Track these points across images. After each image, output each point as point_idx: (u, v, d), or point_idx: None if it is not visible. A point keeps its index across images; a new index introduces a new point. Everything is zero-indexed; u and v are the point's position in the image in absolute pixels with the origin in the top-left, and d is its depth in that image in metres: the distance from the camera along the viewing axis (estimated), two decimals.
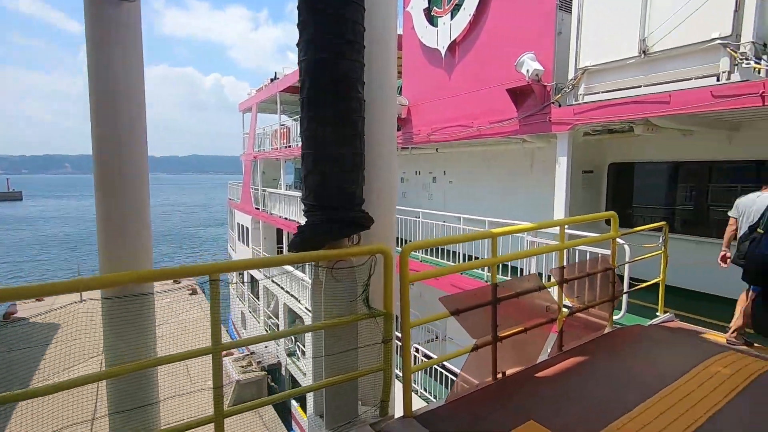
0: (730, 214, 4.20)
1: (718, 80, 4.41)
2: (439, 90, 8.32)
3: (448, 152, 9.85)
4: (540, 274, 6.78)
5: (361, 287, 2.87)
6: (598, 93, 5.57)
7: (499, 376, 3.57)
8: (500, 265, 3.46)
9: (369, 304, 2.83)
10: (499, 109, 6.85)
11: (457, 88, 7.90)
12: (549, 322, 3.90)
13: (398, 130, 9.53)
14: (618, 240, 4.69)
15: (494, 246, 3.43)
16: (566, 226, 4.09)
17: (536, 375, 3.65)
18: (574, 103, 5.81)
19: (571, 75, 5.83)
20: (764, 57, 4.15)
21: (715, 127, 5.95)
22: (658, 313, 5.31)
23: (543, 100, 6.15)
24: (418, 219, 9.08)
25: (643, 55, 4.95)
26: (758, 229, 3.71)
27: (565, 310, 4.06)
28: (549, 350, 4.07)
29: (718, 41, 4.35)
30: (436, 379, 8.57)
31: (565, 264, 4.09)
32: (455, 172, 10.21)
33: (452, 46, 7.88)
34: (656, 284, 5.21)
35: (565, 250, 4.05)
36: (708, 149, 6.78)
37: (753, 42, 4.17)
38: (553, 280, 4.02)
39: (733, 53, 4.26)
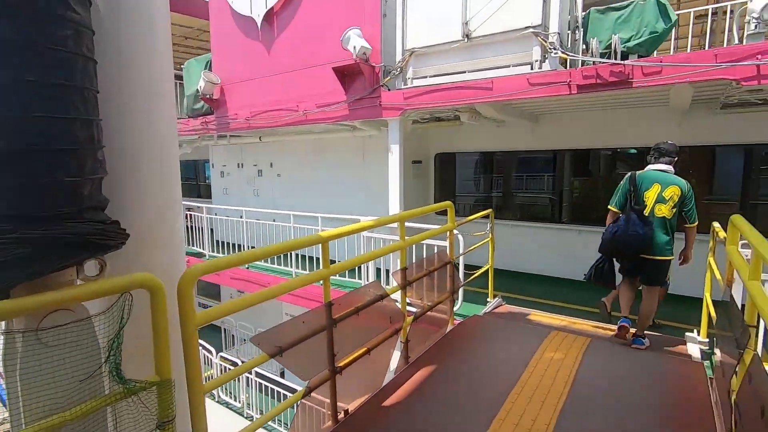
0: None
1: (531, 68, 4.52)
2: (258, 67, 7.14)
3: (274, 141, 8.74)
4: (378, 270, 6.39)
5: (105, 350, 1.68)
6: (426, 77, 5.32)
7: (341, 416, 2.82)
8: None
9: (121, 375, 1.68)
10: (327, 92, 6.13)
11: (278, 66, 6.87)
12: (394, 334, 3.33)
13: (210, 113, 7.96)
14: (454, 231, 4.47)
15: (325, 253, 2.62)
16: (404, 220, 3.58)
17: (385, 404, 3.02)
18: (403, 87, 5.46)
19: (398, 57, 5.45)
20: (559, 49, 4.36)
21: (522, 118, 6.42)
22: (489, 300, 5.39)
23: (372, 82, 5.65)
24: (242, 219, 7.78)
25: (466, 39, 4.83)
26: (609, 206, 4.07)
27: (409, 313, 3.57)
28: (395, 366, 3.52)
29: (530, 30, 4.44)
30: (279, 399, 7.52)
31: (406, 263, 3.60)
32: (284, 164, 9.17)
33: (269, 16, 6.79)
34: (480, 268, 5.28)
35: (406, 248, 3.52)
36: (515, 139, 7.39)
37: (558, 33, 4.34)
38: (395, 284, 3.47)
39: (543, 42, 4.38)
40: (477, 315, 4.82)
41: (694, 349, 4.00)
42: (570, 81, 4.17)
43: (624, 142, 6.69)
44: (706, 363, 3.75)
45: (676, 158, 3.87)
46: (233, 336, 10.66)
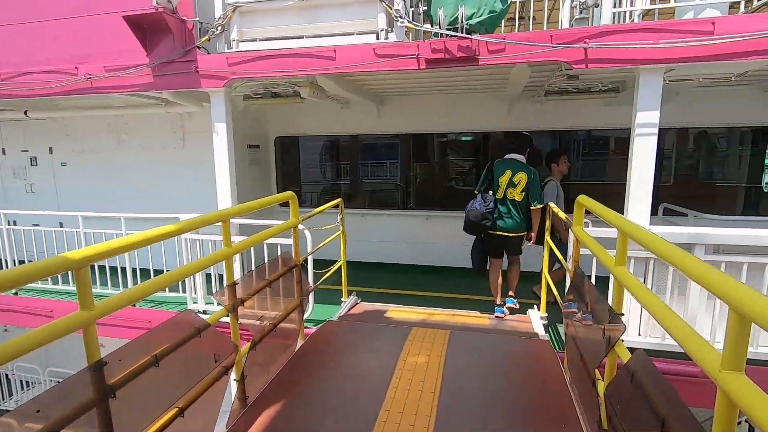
0: None
1: (377, 38, 4.02)
2: (7, 7, 5.02)
3: (52, 118, 6.50)
4: (209, 276, 5.22)
5: None
6: (255, 41, 4.36)
7: None
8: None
9: None
10: (120, 51, 4.59)
11: (42, 8, 4.92)
12: (223, 374, 2.45)
13: None
14: (299, 226, 3.75)
15: (84, 288, 1.59)
16: (235, 220, 2.68)
17: None
18: (227, 50, 4.39)
19: (218, 13, 4.34)
20: (406, 18, 3.96)
21: (368, 99, 5.98)
22: (343, 299, 4.85)
23: (184, 42, 4.40)
24: (6, 227, 5.57)
25: None
26: (474, 190, 4.46)
27: (245, 337, 2.73)
28: (227, 415, 2.64)
29: None
30: None
31: (242, 273, 2.73)
32: (70, 150, 6.95)
33: None
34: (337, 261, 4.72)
35: (234, 256, 2.64)
36: (361, 122, 6.97)
37: (403, 0, 3.92)
38: (221, 307, 2.56)
39: (388, 9, 3.90)
40: (331, 320, 4.21)
41: (538, 326, 4.14)
42: (419, 54, 3.80)
43: (462, 128, 6.88)
44: (546, 336, 3.90)
45: (528, 149, 4.41)
46: (9, 380, 7.90)
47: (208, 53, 4.44)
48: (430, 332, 3.82)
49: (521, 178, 4.20)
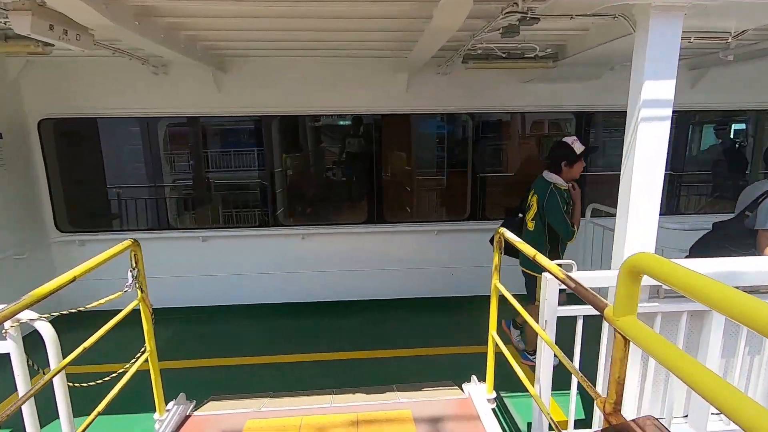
0: None
1: None
2: None
3: None
4: None
5: None
6: None
7: None
8: None
9: None
10: None
11: None
12: None
13: None
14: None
15: None
16: None
17: None
18: None
19: None
20: None
21: (198, 60, 3.70)
22: (157, 417, 2.72)
23: None
24: None
25: None
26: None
27: None
28: None
29: None
30: None
31: None
32: None
33: None
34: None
35: None
36: (191, 98, 4.62)
37: None
38: None
39: None
40: None
41: (489, 422, 2.63)
42: None
43: (346, 107, 5.05)
44: None
45: (561, 161, 3.39)
46: None
47: None
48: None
49: (532, 201, 3.46)
